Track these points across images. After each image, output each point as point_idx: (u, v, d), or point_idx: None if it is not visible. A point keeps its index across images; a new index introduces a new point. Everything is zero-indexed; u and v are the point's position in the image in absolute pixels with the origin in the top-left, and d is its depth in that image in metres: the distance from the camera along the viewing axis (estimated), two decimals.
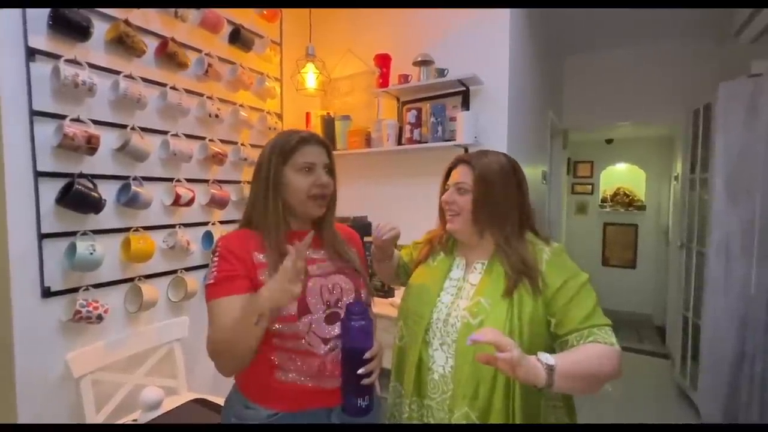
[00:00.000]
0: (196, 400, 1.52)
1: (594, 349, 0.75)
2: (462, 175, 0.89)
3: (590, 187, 4.74)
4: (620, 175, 4.64)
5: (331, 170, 0.92)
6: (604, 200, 4.68)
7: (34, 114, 1.25)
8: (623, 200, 4.57)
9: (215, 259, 0.83)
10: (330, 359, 0.85)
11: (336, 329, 0.86)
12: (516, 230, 0.87)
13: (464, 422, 0.78)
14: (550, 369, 0.67)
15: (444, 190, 0.96)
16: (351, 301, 0.90)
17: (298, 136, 0.87)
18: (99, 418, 1.36)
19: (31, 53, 1.24)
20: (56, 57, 1.28)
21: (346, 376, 0.80)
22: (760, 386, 1.95)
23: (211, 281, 0.81)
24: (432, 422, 0.85)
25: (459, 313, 0.84)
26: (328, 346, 0.85)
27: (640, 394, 2.68)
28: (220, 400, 0.97)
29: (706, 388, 2.18)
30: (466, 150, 1.93)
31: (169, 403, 1.47)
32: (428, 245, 1.00)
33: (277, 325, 0.82)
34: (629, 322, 4.13)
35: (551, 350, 0.80)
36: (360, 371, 0.78)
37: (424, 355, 0.86)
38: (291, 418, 0.84)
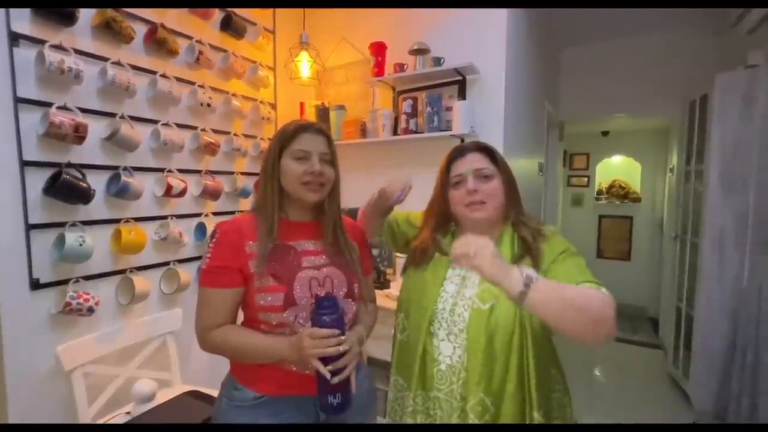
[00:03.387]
0: (190, 392, 1.51)
1: (581, 287, 0.73)
2: (479, 161, 0.88)
3: (586, 179, 4.74)
4: (616, 167, 4.64)
5: (331, 161, 0.91)
6: (599, 192, 4.68)
7: (18, 101, 1.21)
8: (619, 192, 4.58)
9: (211, 244, 0.86)
10: None
11: None
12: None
13: (479, 409, 0.77)
14: (529, 278, 0.65)
15: (443, 184, 0.92)
16: (342, 294, 0.90)
17: (297, 124, 0.89)
18: (91, 411, 1.35)
19: (14, 38, 1.20)
20: (41, 42, 1.24)
21: (317, 373, 0.79)
22: (751, 376, 1.97)
23: (204, 267, 0.85)
24: (439, 414, 0.84)
25: (466, 303, 0.83)
26: None
27: (633, 383, 2.71)
28: (214, 392, 0.97)
29: (698, 378, 2.20)
30: (462, 141, 1.91)
31: (163, 396, 1.46)
32: (421, 253, 0.95)
33: (264, 314, 0.83)
34: (623, 314, 4.17)
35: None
36: (328, 368, 0.77)
37: (429, 346, 0.85)
38: (276, 401, 0.86)
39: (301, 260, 0.88)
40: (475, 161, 0.88)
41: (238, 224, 0.88)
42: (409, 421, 0.87)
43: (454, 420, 0.81)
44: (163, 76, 1.57)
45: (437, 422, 0.84)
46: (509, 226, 0.89)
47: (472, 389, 0.78)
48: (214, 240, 0.86)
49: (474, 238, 0.69)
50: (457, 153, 0.91)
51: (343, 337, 0.78)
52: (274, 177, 0.88)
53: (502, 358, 0.77)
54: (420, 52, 1.92)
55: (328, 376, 0.76)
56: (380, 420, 1.00)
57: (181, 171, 1.68)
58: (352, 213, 2.15)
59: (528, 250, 0.82)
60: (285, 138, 0.88)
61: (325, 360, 0.77)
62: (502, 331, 0.77)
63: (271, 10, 2.12)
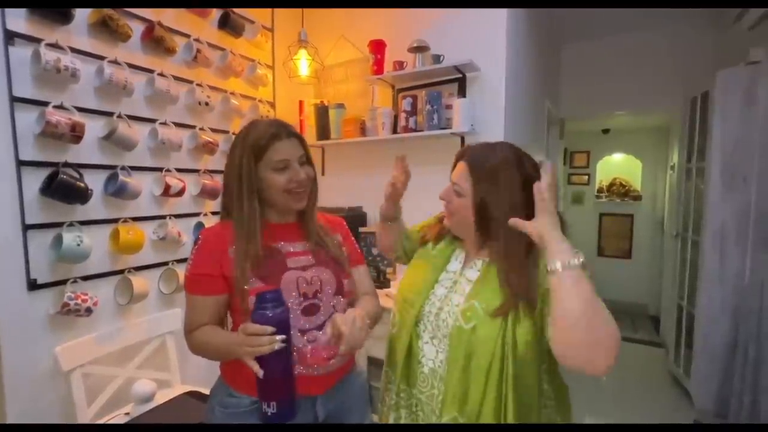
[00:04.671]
0: (189, 393, 1.50)
1: None
2: (459, 174, 0.83)
3: (586, 177, 4.72)
4: (616, 165, 4.63)
5: (307, 160, 0.90)
6: (600, 190, 4.67)
7: (14, 100, 1.20)
8: (619, 190, 4.57)
9: (194, 251, 0.86)
10: (309, 350, 0.85)
11: (316, 321, 0.86)
12: (523, 242, 0.75)
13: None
14: (574, 262, 0.64)
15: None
16: (331, 292, 0.90)
17: (269, 133, 0.84)
18: (90, 412, 1.34)
19: (10, 36, 1.19)
20: (36, 41, 1.23)
21: (255, 375, 0.73)
22: (752, 374, 1.96)
23: (187, 274, 0.85)
24: (421, 414, 0.83)
25: (451, 309, 0.81)
26: (305, 338, 0.85)
27: (634, 382, 2.70)
28: None
29: (699, 376, 2.20)
30: (463, 139, 1.90)
31: (162, 396, 1.46)
32: (440, 225, 0.95)
33: None
34: (624, 312, 4.16)
35: (542, 372, 0.77)
36: (256, 369, 0.71)
37: (415, 346, 0.84)
38: None
39: (286, 261, 0.87)
40: (458, 173, 0.84)
41: (220, 230, 0.87)
42: (393, 414, 0.87)
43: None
44: (161, 74, 1.56)
45: (419, 421, 0.84)
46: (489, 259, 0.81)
47: (447, 407, 0.76)
48: (197, 247, 0.86)
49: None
50: (457, 157, 0.88)
51: (278, 337, 0.70)
52: (252, 189, 0.84)
53: (479, 380, 0.74)
54: (419, 49, 1.90)
55: (260, 374, 0.71)
56: (375, 418, 1.00)
57: (179, 170, 1.67)
58: (353, 211, 2.15)
59: (515, 301, 0.74)
60: (258, 147, 0.83)
61: (261, 360, 0.71)
62: (480, 354, 0.74)
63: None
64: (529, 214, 0.73)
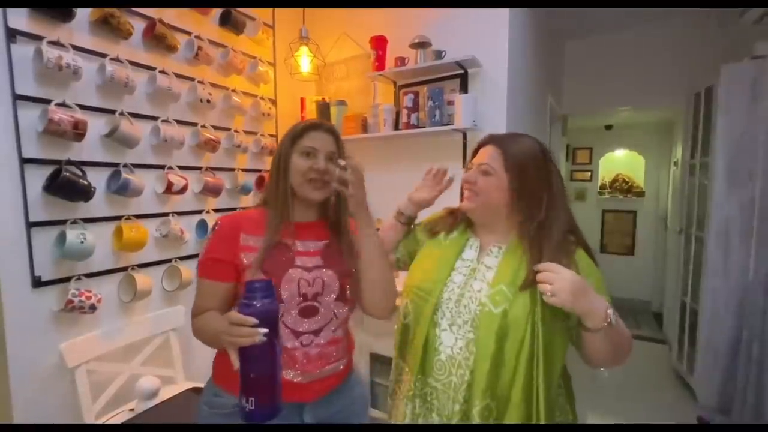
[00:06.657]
0: (193, 389, 1.51)
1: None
2: (489, 156, 0.86)
3: (589, 173, 4.71)
4: (619, 161, 4.61)
5: (339, 159, 0.90)
6: (602, 187, 4.65)
7: (17, 98, 1.21)
8: (622, 187, 4.55)
9: (210, 235, 0.87)
10: (302, 353, 0.84)
11: (313, 324, 0.85)
12: (557, 226, 0.81)
13: (486, 413, 0.76)
14: (610, 320, 0.71)
15: (468, 168, 0.92)
16: (333, 297, 0.88)
17: (308, 122, 0.90)
18: (95, 408, 1.35)
19: (12, 34, 1.19)
20: (38, 38, 1.23)
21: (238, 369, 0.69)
22: (756, 371, 1.95)
23: (201, 258, 0.87)
24: (436, 403, 0.82)
25: (474, 295, 0.81)
26: (299, 340, 0.84)
27: (638, 379, 2.70)
28: None
29: (703, 373, 2.19)
30: (465, 135, 1.89)
31: (166, 393, 1.46)
32: (452, 217, 0.97)
33: None
34: (627, 309, 4.15)
35: (567, 343, 0.81)
36: (233, 359, 0.68)
37: (431, 334, 0.84)
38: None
39: (294, 259, 0.86)
40: (486, 155, 0.87)
41: (236, 217, 0.89)
42: (409, 404, 0.85)
43: (455, 415, 0.79)
44: (162, 72, 1.56)
45: (434, 410, 0.83)
46: (517, 238, 0.85)
47: (479, 394, 0.76)
48: (213, 232, 0.87)
49: (556, 270, 0.72)
50: (483, 141, 0.91)
51: (261, 330, 0.65)
52: (286, 175, 0.87)
53: (510, 364, 0.75)
54: (421, 45, 1.90)
55: (235, 366, 0.68)
56: (379, 414, 0.99)
57: (181, 168, 1.67)
58: None
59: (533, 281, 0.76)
60: (294, 135, 0.88)
61: (245, 353, 0.67)
62: (513, 337, 0.75)
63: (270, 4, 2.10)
64: (555, 206, 0.82)
